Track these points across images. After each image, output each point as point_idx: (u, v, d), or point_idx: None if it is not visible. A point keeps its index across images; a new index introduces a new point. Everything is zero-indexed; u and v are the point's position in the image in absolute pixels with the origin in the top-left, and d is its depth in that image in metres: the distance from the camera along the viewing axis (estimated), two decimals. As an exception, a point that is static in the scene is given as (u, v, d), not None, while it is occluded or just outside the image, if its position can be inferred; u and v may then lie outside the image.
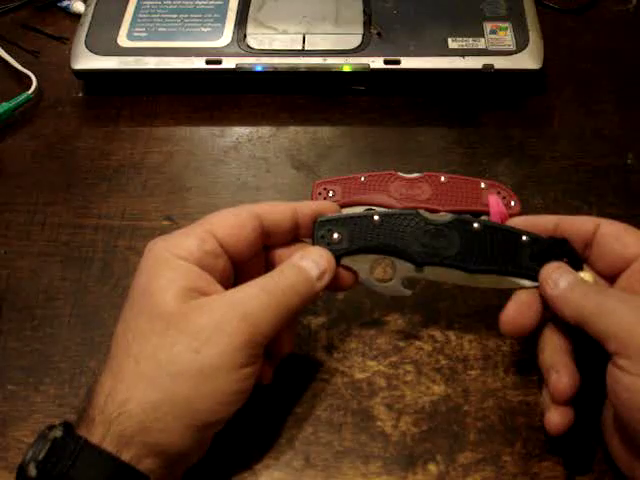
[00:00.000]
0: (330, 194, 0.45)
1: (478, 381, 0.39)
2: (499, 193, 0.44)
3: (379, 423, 0.37)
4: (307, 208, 0.37)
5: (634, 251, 0.34)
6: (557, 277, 0.34)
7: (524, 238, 0.35)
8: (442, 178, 0.45)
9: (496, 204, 0.44)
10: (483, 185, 0.45)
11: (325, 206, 0.38)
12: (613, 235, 0.35)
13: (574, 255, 0.35)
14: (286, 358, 0.39)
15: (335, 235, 0.35)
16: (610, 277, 0.35)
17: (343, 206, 0.45)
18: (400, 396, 0.38)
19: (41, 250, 0.45)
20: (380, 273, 0.37)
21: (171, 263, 0.33)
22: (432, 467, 0.36)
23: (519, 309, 0.35)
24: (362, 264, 0.36)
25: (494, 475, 0.35)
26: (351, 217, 0.36)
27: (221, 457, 0.36)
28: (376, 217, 0.35)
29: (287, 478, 0.36)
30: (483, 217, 0.44)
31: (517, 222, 0.37)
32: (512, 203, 0.44)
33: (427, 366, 0.39)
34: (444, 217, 0.36)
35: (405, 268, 0.36)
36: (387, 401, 0.38)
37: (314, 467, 0.36)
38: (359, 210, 0.45)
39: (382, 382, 0.39)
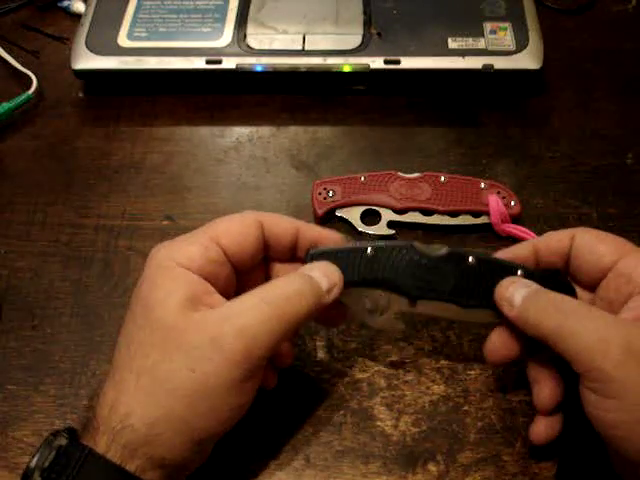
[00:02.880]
0: (330, 194, 0.45)
1: (478, 381, 0.39)
2: (499, 193, 0.44)
3: (379, 423, 0.37)
4: (310, 232, 0.36)
5: (609, 260, 0.33)
6: (511, 295, 0.32)
7: (519, 272, 0.34)
8: (442, 178, 0.45)
9: (496, 204, 0.44)
10: (483, 185, 0.45)
11: (329, 236, 0.36)
12: (587, 247, 0.34)
13: (567, 285, 0.34)
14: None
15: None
16: (591, 287, 0.35)
17: (343, 206, 0.45)
18: (400, 396, 0.38)
19: (41, 250, 0.45)
20: (372, 307, 0.37)
21: (172, 272, 0.32)
22: (432, 467, 0.36)
23: (502, 340, 0.34)
24: (354, 298, 0.35)
25: (494, 475, 0.35)
26: (343, 250, 0.34)
27: (221, 457, 0.36)
28: (369, 250, 0.34)
29: (287, 478, 0.36)
30: (483, 217, 0.44)
31: (498, 256, 0.36)
32: (512, 203, 0.44)
33: (427, 366, 0.39)
34: (439, 250, 0.34)
35: (399, 302, 0.35)
36: (387, 401, 0.38)
37: (314, 467, 0.36)
38: (359, 210, 0.45)
39: (382, 382, 0.39)
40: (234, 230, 0.34)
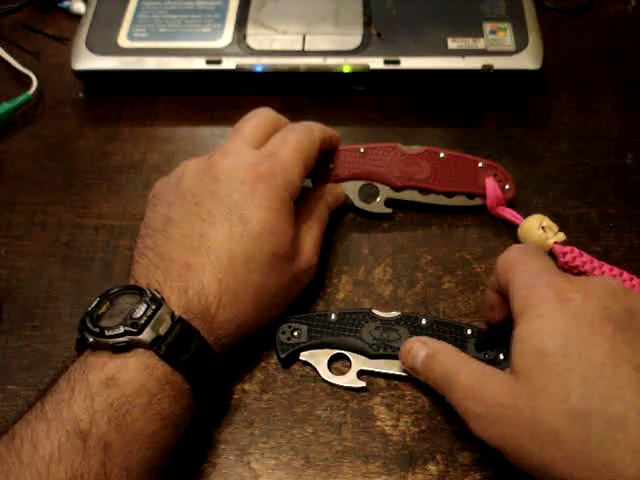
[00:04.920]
0: (330, 165, 0.45)
1: (478, 381, 0.39)
2: (496, 175, 0.45)
3: (379, 423, 0.37)
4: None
5: (504, 286, 0.35)
6: (415, 354, 0.37)
7: (469, 332, 0.38)
8: (441, 154, 0.45)
9: (492, 188, 0.44)
10: (481, 164, 0.45)
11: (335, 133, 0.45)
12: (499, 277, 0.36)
13: (502, 341, 0.37)
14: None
15: (295, 332, 0.39)
16: None
17: (341, 181, 0.45)
18: (400, 396, 0.38)
19: (41, 250, 0.45)
20: (336, 366, 0.39)
21: (287, 207, 0.38)
22: (432, 467, 0.36)
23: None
24: (320, 359, 0.39)
25: (494, 475, 0.35)
26: (310, 316, 0.40)
27: (221, 457, 0.36)
28: (333, 316, 0.39)
29: (287, 478, 0.36)
30: (477, 199, 0.45)
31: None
32: (507, 186, 0.45)
33: (427, 366, 0.39)
34: (393, 314, 0.39)
35: (360, 360, 0.39)
36: (387, 401, 0.38)
37: (314, 467, 0.36)
38: (357, 185, 0.45)
39: (382, 382, 0.39)
40: (313, 156, 0.41)
